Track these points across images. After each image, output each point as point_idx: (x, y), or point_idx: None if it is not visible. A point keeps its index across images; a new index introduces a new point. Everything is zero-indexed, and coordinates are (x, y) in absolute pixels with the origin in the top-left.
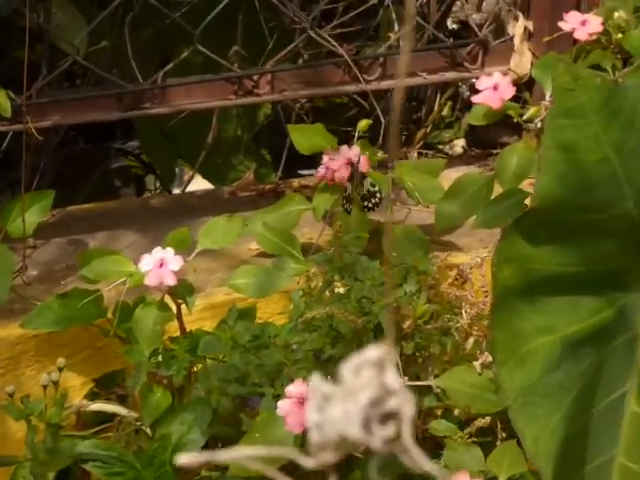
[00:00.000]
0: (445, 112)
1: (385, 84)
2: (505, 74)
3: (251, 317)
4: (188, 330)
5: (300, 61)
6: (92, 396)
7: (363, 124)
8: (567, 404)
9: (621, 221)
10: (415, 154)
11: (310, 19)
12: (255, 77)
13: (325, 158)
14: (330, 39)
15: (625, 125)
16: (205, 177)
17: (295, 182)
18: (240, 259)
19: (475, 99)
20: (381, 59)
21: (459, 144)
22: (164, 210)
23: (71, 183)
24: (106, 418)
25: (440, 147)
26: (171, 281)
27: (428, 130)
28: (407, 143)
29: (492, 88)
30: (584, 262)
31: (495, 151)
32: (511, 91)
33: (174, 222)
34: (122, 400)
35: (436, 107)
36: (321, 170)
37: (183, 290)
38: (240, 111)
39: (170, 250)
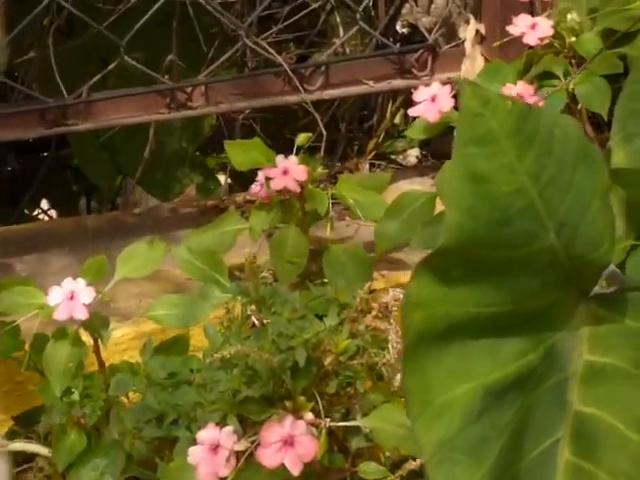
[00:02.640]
0: (397, 120)
1: (327, 94)
2: (446, 83)
3: (181, 347)
4: (109, 364)
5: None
6: (12, 435)
7: (302, 138)
8: (491, 459)
9: (542, 256)
10: (367, 165)
11: (246, 26)
12: (189, 89)
13: (260, 175)
14: (268, 47)
15: (541, 152)
16: (148, 192)
17: (240, 197)
18: (175, 282)
19: (412, 112)
20: (323, 67)
21: (413, 154)
22: (100, 230)
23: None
24: (27, 458)
25: (393, 157)
26: (82, 315)
27: (380, 140)
28: (359, 153)
29: (430, 100)
30: (504, 301)
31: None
32: (450, 102)
33: (111, 243)
34: (46, 438)
35: (388, 115)
36: (255, 187)
37: (97, 324)
38: (184, 121)
39: (81, 281)
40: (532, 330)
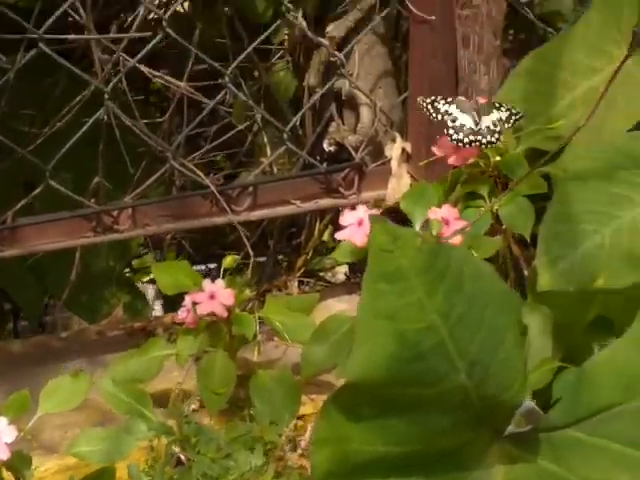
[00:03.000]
0: (326, 237)
1: (255, 215)
2: (372, 206)
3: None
4: None
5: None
6: None
7: (229, 261)
8: None
9: (453, 395)
10: (295, 283)
11: (173, 147)
12: (115, 212)
13: (187, 299)
14: (195, 169)
15: (451, 289)
16: (75, 314)
17: (168, 318)
18: (101, 410)
19: (339, 236)
20: (251, 188)
21: (341, 271)
22: (26, 356)
23: None
24: None
25: (322, 275)
26: (3, 455)
27: (309, 257)
28: (287, 271)
29: (356, 224)
30: (414, 440)
31: None
32: None
33: (37, 369)
34: None
35: (316, 233)
36: (182, 313)
37: (19, 463)
38: (112, 241)
39: (3, 420)
40: (444, 470)
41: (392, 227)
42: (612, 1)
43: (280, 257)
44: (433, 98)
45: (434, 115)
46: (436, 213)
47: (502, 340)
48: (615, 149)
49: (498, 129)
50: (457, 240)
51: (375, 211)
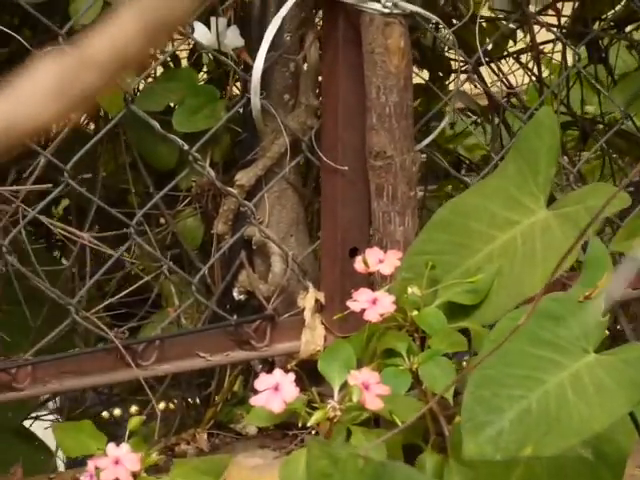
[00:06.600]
0: (237, 388)
1: (162, 369)
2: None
3: None
4: None
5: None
6: None
7: (134, 423)
8: None
9: None
10: (205, 435)
11: (75, 301)
12: (13, 370)
13: (90, 464)
14: (99, 323)
15: None
16: None
17: (69, 475)
18: None
19: (254, 401)
20: (157, 342)
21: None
22: None
23: None
24: None
25: (232, 426)
26: None
27: (218, 409)
28: (196, 423)
29: (273, 388)
30: None
31: (291, 432)
32: (294, 391)
33: None
34: None
35: (227, 383)
36: (85, 478)
37: None
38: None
39: None
40: None
41: (331, 450)
42: (528, 152)
43: (189, 408)
44: None
45: None
46: (356, 378)
47: None
48: (537, 310)
49: None
50: (377, 405)
51: (290, 370)
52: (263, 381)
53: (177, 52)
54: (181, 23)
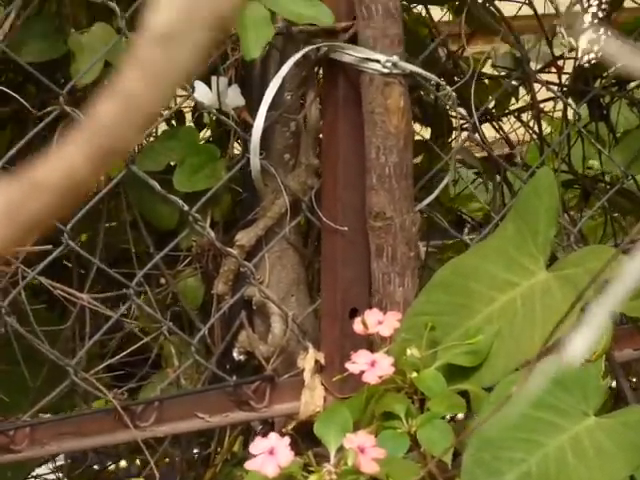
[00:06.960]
0: (236, 448)
1: (161, 431)
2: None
3: None
4: None
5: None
6: None
7: None
8: None
9: None
10: None
11: (74, 362)
12: (11, 432)
13: None
14: (98, 384)
15: None
16: None
17: None
18: None
19: (249, 465)
20: (156, 403)
21: None
22: None
23: None
24: None
25: None
26: None
27: (218, 469)
28: None
29: (268, 452)
30: None
31: None
32: (289, 455)
33: None
34: None
35: (226, 443)
36: None
37: None
38: None
39: None
40: None
41: None
42: (527, 212)
43: (188, 468)
44: None
45: None
46: (352, 442)
47: None
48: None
49: None
50: (373, 469)
51: (286, 433)
52: (258, 445)
53: (181, 108)
54: (129, 149)
